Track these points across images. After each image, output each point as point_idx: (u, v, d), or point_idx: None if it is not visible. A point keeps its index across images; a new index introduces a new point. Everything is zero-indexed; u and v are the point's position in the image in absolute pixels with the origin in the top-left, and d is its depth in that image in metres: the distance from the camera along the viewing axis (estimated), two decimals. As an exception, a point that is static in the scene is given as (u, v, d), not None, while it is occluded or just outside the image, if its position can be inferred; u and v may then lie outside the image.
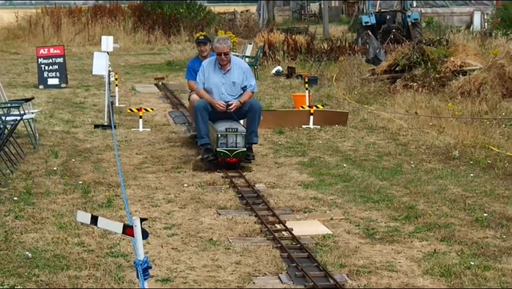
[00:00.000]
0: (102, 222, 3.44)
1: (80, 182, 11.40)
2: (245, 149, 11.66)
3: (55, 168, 12.34)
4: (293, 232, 8.98)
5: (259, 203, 10.29)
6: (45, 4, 51.18)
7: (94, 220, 3.42)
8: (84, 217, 3.44)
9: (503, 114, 16.35)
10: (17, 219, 9.50)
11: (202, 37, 14.69)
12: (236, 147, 11.56)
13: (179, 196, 10.74)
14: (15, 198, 10.45)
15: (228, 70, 12.29)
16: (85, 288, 7.21)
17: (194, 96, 13.11)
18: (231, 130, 11.55)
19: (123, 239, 8.23)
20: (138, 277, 3.15)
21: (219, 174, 11.94)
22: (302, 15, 60.09)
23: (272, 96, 20.84)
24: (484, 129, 14.92)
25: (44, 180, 11.54)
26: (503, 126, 15.19)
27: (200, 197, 10.69)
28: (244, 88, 12.33)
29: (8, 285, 7.08)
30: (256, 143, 12.35)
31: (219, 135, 11.48)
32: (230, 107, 11.96)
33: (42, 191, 10.89)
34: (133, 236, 3.22)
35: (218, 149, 11.51)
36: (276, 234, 8.88)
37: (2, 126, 12.94)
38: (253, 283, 7.48)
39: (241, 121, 12.70)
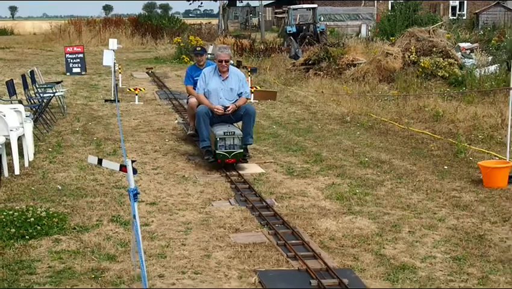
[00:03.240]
0: (105, 163, 3.41)
1: (94, 138, 11.28)
2: (242, 150, 9.10)
3: (77, 129, 12.20)
4: (239, 171, 9.02)
5: (216, 152, 10.22)
6: (70, 17, 50.54)
7: (99, 161, 3.40)
8: (93, 159, 3.42)
9: (379, 92, 16.47)
10: (51, 163, 9.42)
11: (200, 48, 11.79)
12: (234, 149, 9.00)
13: (162, 147, 10.68)
14: (50, 149, 10.33)
15: (227, 78, 9.63)
16: (98, 210, 7.21)
17: (192, 100, 10.50)
18: (228, 133, 9.00)
19: (124, 176, 8.19)
20: (130, 200, 3.14)
21: (190, 133, 11.91)
22: (247, 26, 59.74)
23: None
24: (367, 103, 15.03)
25: (70, 137, 11.41)
26: (380, 100, 15.30)
27: (177, 148, 10.66)
28: (239, 95, 9.66)
29: (45, 207, 7.03)
30: (251, 144, 9.74)
31: (218, 138, 8.95)
32: (228, 109, 9.42)
33: (68, 144, 10.78)
34: (127, 172, 3.21)
35: (217, 151, 8.95)
36: (227, 172, 8.91)
37: (40, 100, 12.80)
38: (212, 205, 7.52)
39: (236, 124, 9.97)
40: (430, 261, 5.83)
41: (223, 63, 9.59)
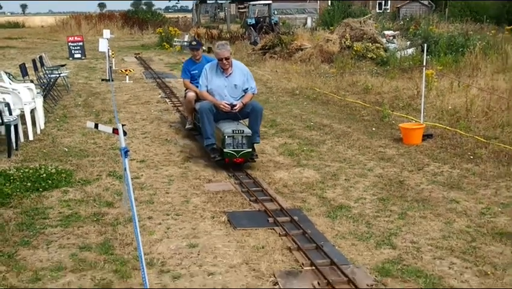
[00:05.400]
0: (101, 127, 3.36)
1: (94, 110, 11.09)
2: (250, 150, 7.00)
3: (79, 103, 11.98)
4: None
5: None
6: (72, 13, 49.63)
7: (96, 125, 3.35)
8: (90, 124, 3.37)
9: (322, 71, 16.48)
10: (59, 130, 9.27)
11: (195, 43, 9.39)
12: (242, 148, 6.92)
13: (149, 117, 10.56)
14: (57, 119, 10.15)
15: (230, 74, 7.42)
16: (98, 167, 7.14)
17: (190, 94, 8.50)
18: (237, 132, 6.90)
19: (118, 140, 8.11)
20: (122, 157, 3.12)
21: (171, 105, 11.80)
22: (215, 19, 58.93)
23: (199, 63, 20.57)
24: (312, 79, 15.04)
25: (73, 109, 11.21)
26: (322, 77, 15.31)
27: (161, 117, 10.55)
28: (245, 91, 7.46)
29: (54, 166, 6.95)
30: (258, 143, 7.51)
31: (226, 137, 6.88)
32: (235, 108, 7.25)
33: (72, 115, 10.60)
34: (118, 134, 3.17)
35: (225, 150, 6.88)
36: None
37: (48, 80, 12.54)
38: (190, 161, 7.50)
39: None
40: (361, 202, 5.93)
41: (224, 61, 7.34)
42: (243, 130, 6.99)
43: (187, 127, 9.01)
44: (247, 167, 7.13)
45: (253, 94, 7.59)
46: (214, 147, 7.19)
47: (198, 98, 8.14)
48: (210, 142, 7.21)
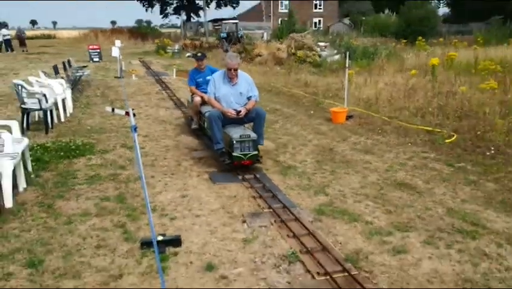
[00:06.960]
0: (116, 110, 3.24)
1: (109, 99, 10.76)
2: (257, 152, 5.64)
3: (98, 94, 11.59)
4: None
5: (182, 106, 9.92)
6: (90, 28, 47.95)
7: (112, 110, 3.24)
8: (108, 108, 3.24)
9: (276, 72, 16.39)
10: (83, 114, 8.96)
11: (200, 54, 7.71)
12: (249, 151, 5.57)
13: (150, 104, 10.29)
14: (82, 106, 9.81)
15: (236, 83, 6.07)
16: (113, 140, 6.95)
17: (196, 99, 7.17)
18: (244, 136, 5.59)
19: (128, 121, 7.89)
20: (132, 132, 3.02)
21: (166, 95, 11.55)
22: (197, 33, 57.84)
23: (186, 65, 20.15)
24: (268, 77, 14.95)
25: (94, 99, 10.85)
26: (275, 75, 15.23)
27: (159, 104, 10.31)
28: (249, 98, 6.05)
29: (81, 140, 6.74)
30: (262, 145, 5.97)
31: (235, 142, 5.54)
32: (240, 113, 5.86)
33: (93, 103, 10.26)
34: (129, 116, 3.07)
35: (234, 154, 5.52)
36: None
37: (74, 77, 12.11)
38: (181, 136, 7.36)
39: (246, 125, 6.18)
40: (304, 163, 5.94)
41: (232, 71, 6.04)
42: (250, 135, 5.67)
43: (192, 127, 7.54)
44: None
45: (256, 101, 6.14)
46: (224, 151, 5.81)
47: (203, 102, 6.98)
48: (220, 147, 5.83)
